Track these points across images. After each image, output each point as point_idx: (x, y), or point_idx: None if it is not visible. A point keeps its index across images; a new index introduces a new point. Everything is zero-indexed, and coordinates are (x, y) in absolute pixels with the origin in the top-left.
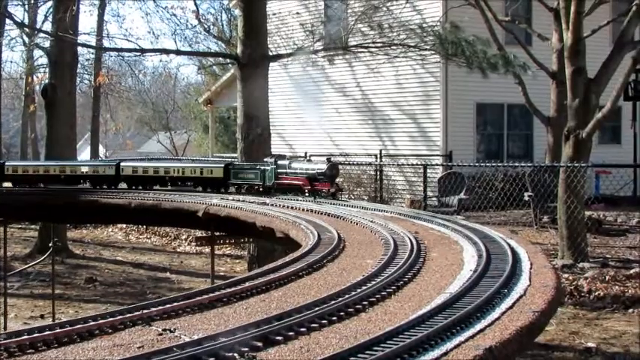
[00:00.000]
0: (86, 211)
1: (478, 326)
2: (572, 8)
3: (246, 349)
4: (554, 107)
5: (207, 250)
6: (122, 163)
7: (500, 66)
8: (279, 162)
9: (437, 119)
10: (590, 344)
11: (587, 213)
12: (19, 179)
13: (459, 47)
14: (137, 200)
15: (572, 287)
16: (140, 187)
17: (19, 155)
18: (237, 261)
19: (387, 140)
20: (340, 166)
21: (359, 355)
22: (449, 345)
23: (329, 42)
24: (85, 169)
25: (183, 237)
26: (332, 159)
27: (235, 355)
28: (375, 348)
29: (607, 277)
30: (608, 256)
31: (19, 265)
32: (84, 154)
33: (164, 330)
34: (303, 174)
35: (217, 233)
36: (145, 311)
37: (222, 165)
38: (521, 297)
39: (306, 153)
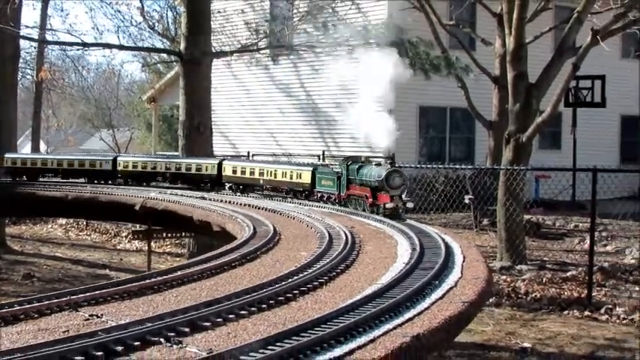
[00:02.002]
0: (22, 204)
1: (407, 315)
2: (515, 14)
3: (173, 334)
4: (496, 111)
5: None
6: (225, 162)
7: (443, 67)
8: (351, 166)
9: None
10: (526, 344)
11: (527, 216)
12: (20, 172)
13: (401, 48)
14: (74, 193)
15: (510, 289)
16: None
17: None
18: (178, 259)
19: (330, 141)
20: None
21: (285, 341)
22: (376, 332)
23: (273, 41)
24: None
25: (124, 234)
26: (394, 163)
27: (162, 339)
28: (302, 334)
29: (544, 280)
30: (545, 259)
31: None
32: (24, 150)
33: (91, 315)
34: (369, 182)
35: (155, 227)
36: (72, 297)
37: (310, 168)
38: (451, 288)
39: (248, 152)
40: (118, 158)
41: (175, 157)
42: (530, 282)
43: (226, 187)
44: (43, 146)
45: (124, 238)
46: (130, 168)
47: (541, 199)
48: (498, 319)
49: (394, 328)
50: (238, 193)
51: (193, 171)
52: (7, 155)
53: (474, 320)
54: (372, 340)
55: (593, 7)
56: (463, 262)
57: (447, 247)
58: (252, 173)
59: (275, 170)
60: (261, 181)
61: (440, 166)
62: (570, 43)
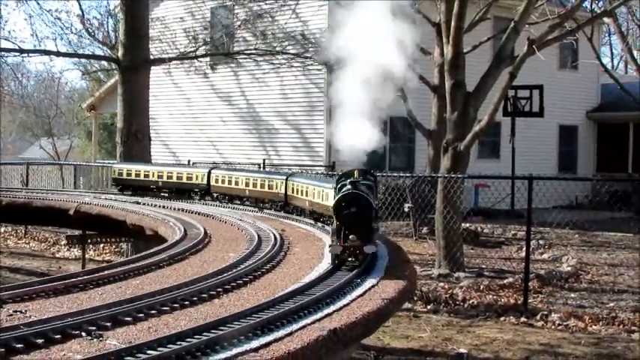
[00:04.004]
0: None
1: (326, 311)
2: (453, 23)
3: (94, 328)
4: (435, 120)
5: (88, 255)
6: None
7: None
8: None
9: (320, 130)
10: (462, 350)
11: (465, 225)
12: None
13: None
14: (8, 198)
15: (448, 296)
16: None
17: None
18: None
19: (271, 150)
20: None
21: (204, 334)
22: (294, 326)
23: (212, 48)
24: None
25: (63, 242)
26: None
27: (82, 333)
28: (222, 327)
29: (481, 287)
30: (483, 266)
31: None
32: None
33: (15, 311)
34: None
35: (90, 232)
36: None
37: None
38: (373, 286)
39: (189, 161)
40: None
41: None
42: (467, 289)
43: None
44: None
45: (62, 247)
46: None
47: (480, 208)
48: (435, 325)
49: (312, 322)
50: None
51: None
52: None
53: (412, 327)
54: (290, 334)
55: (530, 18)
56: (388, 262)
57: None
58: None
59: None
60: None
61: (379, 174)
62: (508, 52)
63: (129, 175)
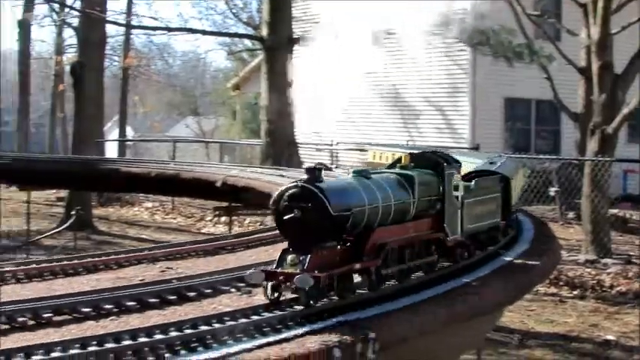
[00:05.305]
0: (106, 180)
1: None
2: (600, 3)
3: (242, 284)
4: (582, 103)
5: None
6: None
7: (526, 55)
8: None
9: (464, 112)
10: (610, 337)
11: (614, 211)
12: None
13: (483, 35)
14: (157, 170)
15: (595, 282)
16: None
17: (47, 135)
18: None
19: (413, 131)
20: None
21: None
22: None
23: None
24: None
25: (208, 218)
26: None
27: (232, 289)
28: None
29: (630, 274)
30: (632, 253)
31: (44, 239)
32: (112, 135)
33: (167, 267)
34: None
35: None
36: (149, 252)
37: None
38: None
39: (332, 141)
40: None
41: None
42: (615, 276)
43: None
44: (130, 132)
45: (209, 222)
46: None
47: (629, 194)
48: (582, 311)
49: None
50: None
51: None
52: None
53: (557, 312)
54: None
55: None
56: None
57: None
58: None
59: None
60: None
61: (525, 156)
62: None
63: None
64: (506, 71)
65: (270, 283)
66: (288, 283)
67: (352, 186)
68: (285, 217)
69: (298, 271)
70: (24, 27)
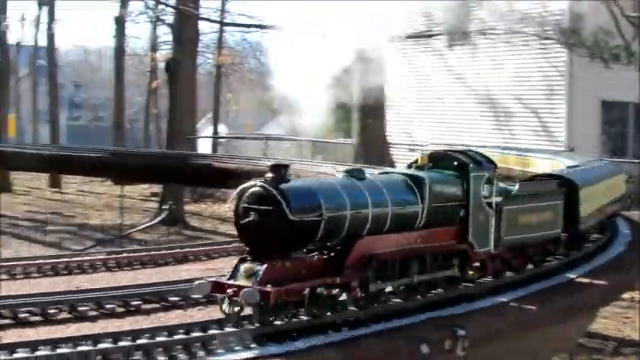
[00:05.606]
0: (197, 174)
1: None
2: None
3: None
4: None
5: None
6: None
7: (623, 57)
8: None
9: (560, 114)
10: None
11: None
12: None
13: (579, 36)
14: (247, 166)
15: None
16: None
17: (143, 130)
18: None
19: (507, 133)
20: None
21: None
22: None
23: (449, 27)
24: None
25: None
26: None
27: None
28: None
29: None
30: None
31: (136, 233)
32: (206, 132)
33: None
34: None
35: None
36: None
37: None
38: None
39: (424, 142)
40: None
41: None
42: None
43: None
44: (223, 129)
45: None
46: None
47: None
48: None
49: None
50: None
51: None
52: None
53: None
54: None
55: None
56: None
57: None
58: None
59: None
60: None
61: (625, 160)
62: None
63: None
64: (603, 73)
65: (221, 296)
66: (235, 298)
67: (330, 188)
68: (242, 222)
69: (250, 284)
70: (120, 24)
